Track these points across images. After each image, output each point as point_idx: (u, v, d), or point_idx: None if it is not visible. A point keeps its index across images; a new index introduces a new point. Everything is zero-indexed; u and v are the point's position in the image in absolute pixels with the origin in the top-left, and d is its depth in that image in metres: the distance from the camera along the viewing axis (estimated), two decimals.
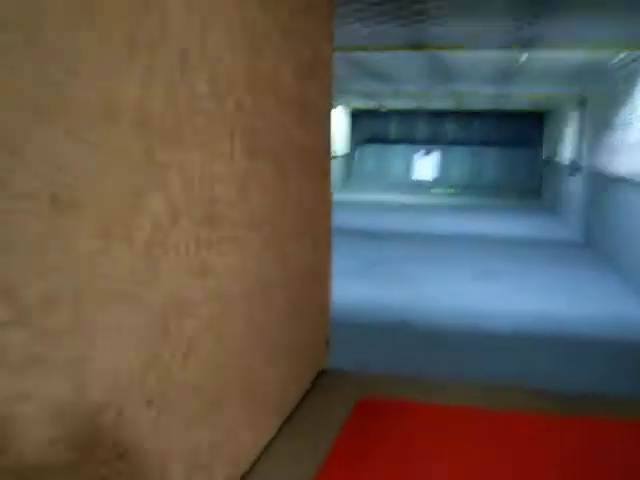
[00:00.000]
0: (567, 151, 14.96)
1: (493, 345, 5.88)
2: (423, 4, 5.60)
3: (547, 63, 9.24)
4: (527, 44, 6.94)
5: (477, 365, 5.35)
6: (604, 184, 10.43)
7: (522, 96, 14.05)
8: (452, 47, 7.31)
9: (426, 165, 22.43)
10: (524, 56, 8.25)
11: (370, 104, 18.94)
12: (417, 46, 7.19)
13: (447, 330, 6.31)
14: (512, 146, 22.08)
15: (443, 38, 6.92)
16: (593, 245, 11.02)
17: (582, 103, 13.20)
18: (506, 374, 5.16)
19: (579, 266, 9.57)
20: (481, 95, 15.34)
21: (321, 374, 2.91)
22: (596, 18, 6.09)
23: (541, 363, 5.43)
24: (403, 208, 17.66)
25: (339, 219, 14.85)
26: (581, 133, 13.20)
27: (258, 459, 2.13)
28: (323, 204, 2.87)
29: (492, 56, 8.65)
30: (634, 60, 8.62)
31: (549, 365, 5.39)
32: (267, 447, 2.21)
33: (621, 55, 8.40)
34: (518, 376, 5.12)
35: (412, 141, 21.59)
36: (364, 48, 7.49)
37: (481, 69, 9.95)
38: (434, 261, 9.71)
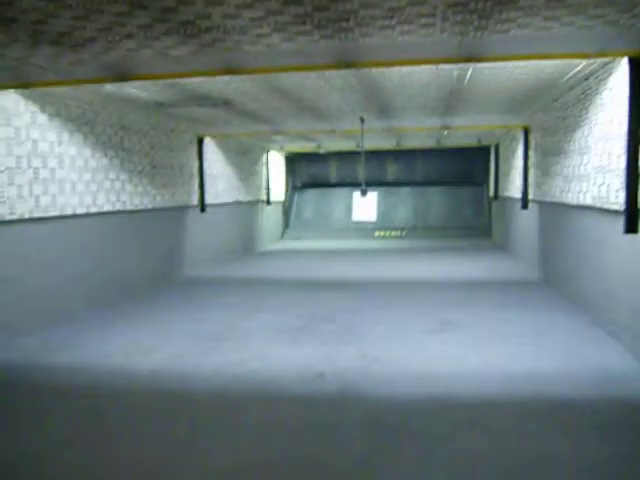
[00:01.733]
0: (515, 185, 14.19)
1: (461, 419, 4.67)
2: (350, 4, 4.57)
3: (492, 87, 8.39)
4: (472, 56, 5.98)
5: (439, 450, 4.12)
6: (560, 215, 9.54)
7: (465, 128, 13.27)
8: (387, 63, 6.30)
9: (365, 206, 21.51)
10: (469, 73, 7.33)
11: (307, 146, 17.99)
12: (345, 64, 6.15)
13: (398, 401, 5.08)
14: (457, 184, 21.40)
15: (375, 52, 5.90)
16: (552, 283, 10.07)
17: (528, 133, 12.46)
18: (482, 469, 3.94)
19: (541, 309, 8.54)
20: (423, 133, 14.58)
21: None
22: (548, 28, 5.20)
23: (532, 441, 4.25)
24: (346, 254, 16.58)
25: (278, 269, 13.72)
26: (529, 164, 12.42)
27: None
28: None
29: (432, 77, 7.71)
30: (586, 79, 7.81)
31: (543, 444, 4.21)
32: None
33: (570, 74, 7.58)
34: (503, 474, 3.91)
35: (353, 184, 20.67)
36: (284, 69, 6.42)
37: (421, 95, 9.02)
38: (381, 313, 8.53)
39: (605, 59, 6.58)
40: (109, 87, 7.66)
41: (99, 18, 4.71)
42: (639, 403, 4.93)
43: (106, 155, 9.42)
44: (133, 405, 5.13)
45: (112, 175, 9.57)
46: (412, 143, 17.68)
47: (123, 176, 9.91)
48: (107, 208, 9.39)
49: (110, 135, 9.53)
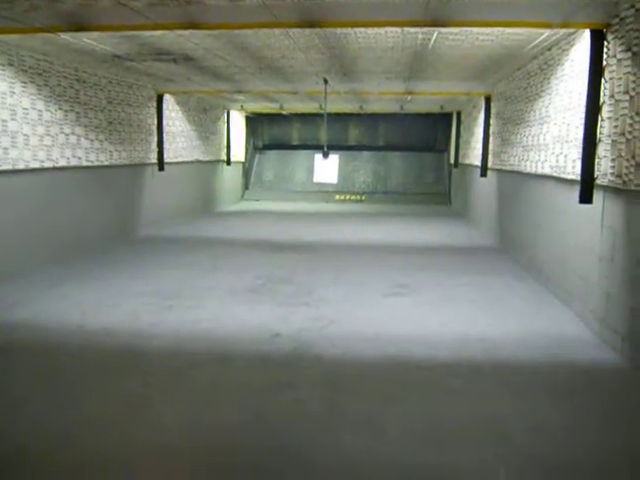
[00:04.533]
0: (475, 153, 14.30)
1: (414, 379, 4.77)
2: None
3: (455, 53, 8.36)
4: (437, 20, 5.93)
5: (392, 406, 4.21)
6: (518, 184, 9.68)
7: (428, 94, 13.26)
8: (353, 24, 6.22)
9: (327, 168, 21.45)
10: (433, 38, 7.28)
11: (269, 107, 17.76)
12: (310, 23, 6.04)
13: (353, 362, 5.15)
14: (419, 150, 21.46)
15: (341, 12, 5.81)
16: (508, 250, 10.26)
17: (490, 101, 12.51)
18: (429, 421, 4.04)
19: (497, 275, 8.71)
20: (387, 98, 14.51)
21: None
22: None
23: (477, 401, 4.36)
24: (307, 217, 16.57)
25: (237, 230, 13.64)
26: (490, 132, 12.51)
27: None
28: None
29: (397, 41, 7.64)
30: (549, 49, 7.85)
31: (486, 405, 4.32)
32: None
33: (533, 43, 7.60)
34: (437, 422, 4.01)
35: (315, 146, 20.54)
36: (248, 26, 6.27)
37: (386, 58, 8.95)
38: (339, 275, 8.58)
39: (568, 30, 6.61)
40: (65, 37, 7.38)
41: None
42: (587, 367, 5.10)
43: (61, 108, 9.13)
44: (88, 362, 5.08)
45: (67, 129, 9.29)
46: (375, 107, 17.60)
47: (79, 131, 9.64)
48: (62, 163, 9.15)
49: (65, 88, 9.24)
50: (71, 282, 7.86)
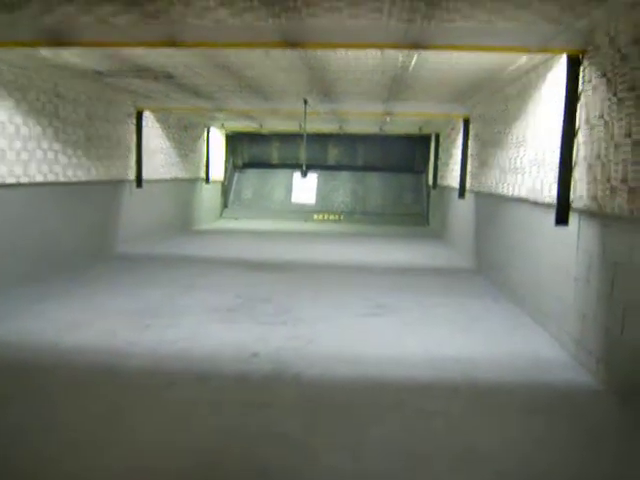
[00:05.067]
0: (453, 175, 14.44)
1: (392, 400, 4.75)
2: None
3: (435, 75, 8.47)
4: (417, 44, 6.01)
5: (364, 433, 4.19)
6: (496, 206, 9.78)
7: (408, 115, 13.39)
8: (334, 46, 6.27)
9: (306, 188, 21.50)
10: (413, 60, 7.37)
11: (249, 125, 17.80)
12: (292, 44, 6.08)
13: (331, 382, 5.12)
14: (397, 171, 21.61)
15: (322, 34, 5.86)
16: (485, 271, 10.33)
17: (469, 123, 12.67)
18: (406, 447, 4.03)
19: (474, 296, 8.76)
20: (366, 118, 14.62)
21: None
22: (492, 21, 5.29)
23: (455, 421, 4.36)
24: (285, 236, 16.56)
25: (215, 248, 13.57)
26: (468, 154, 12.65)
27: None
28: None
29: (377, 63, 7.73)
30: (527, 73, 7.98)
31: (463, 423, 4.32)
32: None
33: (512, 67, 7.73)
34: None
35: (294, 165, 20.58)
36: (229, 45, 6.30)
37: (366, 80, 9.03)
38: (318, 295, 8.57)
39: (546, 55, 6.74)
40: (45, 52, 7.35)
41: None
42: (562, 389, 5.13)
43: (39, 123, 9.06)
44: (62, 381, 4.99)
45: (45, 145, 9.22)
46: (355, 128, 17.74)
47: (57, 146, 9.57)
48: (39, 179, 9.06)
49: (44, 103, 9.17)
50: (47, 299, 7.75)
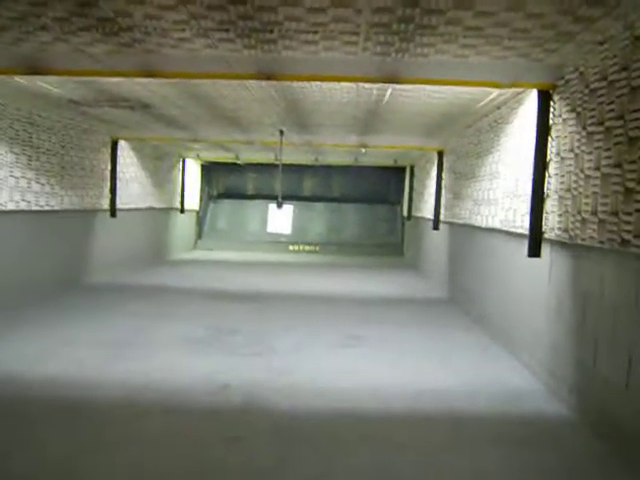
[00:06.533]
0: (428, 206, 14.57)
1: (365, 433, 4.71)
2: (275, 16, 4.56)
3: (409, 109, 8.60)
4: (391, 77, 6.10)
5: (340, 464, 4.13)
6: (469, 237, 9.87)
7: (382, 148, 13.52)
8: (309, 78, 6.34)
9: (280, 219, 21.52)
10: (387, 94, 7.47)
11: (224, 156, 17.82)
12: (267, 75, 6.13)
13: (304, 415, 5.06)
14: (372, 202, 21.76)
15: (297, 66, 5.93)
16: (459, 302, 10.37)
17: (443, 156, 12.83)
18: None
19: (447, 327, 8.77)
20: (341, 150, 14.74)
21: None
22: (465, 56, 5.41)
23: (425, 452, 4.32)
24: (259, 266, 16.51)
25: (189, 279, 13.45)
26: (442, 186, 12.78)
27: None
28: None
29: (352, 96, 7.82)
30: (499, 107, 8.14)
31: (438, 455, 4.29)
32: None
33: (484, 101, 7.88)
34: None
35: (270, 196, 20.60)
36: (205, 76, 6.34)
37: (341, 112, 9.13)
38: (291, 326, 8.52)
39: (517, 90, 6.88)
40: (19, 80, 7.32)
41: (13, 6, 4.49)
42: (534, 419, 5.13)
43: (12, 151, 8.97)
44: (29, 413, 4.86)
45: (17, 173, 9.12)
46: (330, 159, 17.85)
47: (30, 174, 9.47)
48: (10, 207, 8.94)
49: (17, 131, 9.10)
50: (17, 329, 7.59)
